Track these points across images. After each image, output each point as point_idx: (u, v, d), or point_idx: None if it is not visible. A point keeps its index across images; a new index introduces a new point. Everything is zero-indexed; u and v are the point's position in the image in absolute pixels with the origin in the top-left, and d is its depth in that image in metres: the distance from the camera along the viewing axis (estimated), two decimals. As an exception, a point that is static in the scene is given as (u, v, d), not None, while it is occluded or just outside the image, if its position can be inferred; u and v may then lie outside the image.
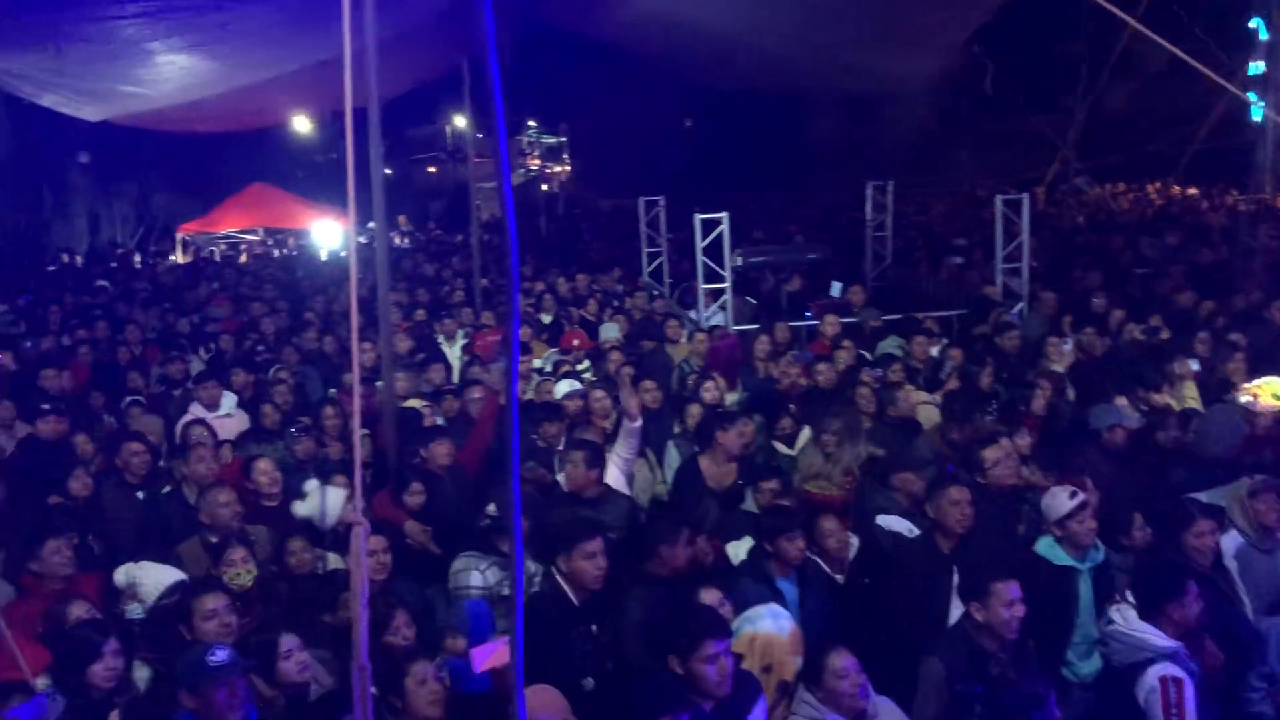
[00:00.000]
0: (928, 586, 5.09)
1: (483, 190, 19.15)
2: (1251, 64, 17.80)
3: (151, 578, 4.96)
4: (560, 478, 6.28)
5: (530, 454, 6.71)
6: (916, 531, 5.59)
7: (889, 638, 4.97)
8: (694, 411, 7.31)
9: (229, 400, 8.26)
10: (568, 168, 43.26)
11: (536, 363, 9.56)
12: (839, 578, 5.37)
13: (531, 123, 41.65)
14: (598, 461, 6.00)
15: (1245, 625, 4.88)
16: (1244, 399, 6.69)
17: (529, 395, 8.32)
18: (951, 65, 21.15)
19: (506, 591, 4.97)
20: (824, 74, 22.26)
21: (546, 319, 11.85)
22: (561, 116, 42.72)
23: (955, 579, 4.96)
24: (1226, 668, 4.67)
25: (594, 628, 4.69)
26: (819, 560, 5.29)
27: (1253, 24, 17.71)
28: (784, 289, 12.85)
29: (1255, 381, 7.05)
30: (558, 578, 4.78)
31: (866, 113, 31.20)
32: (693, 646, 3.83)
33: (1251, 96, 14.21)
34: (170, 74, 16.19)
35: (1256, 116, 17.29)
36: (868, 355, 9.36)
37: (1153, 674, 4.17)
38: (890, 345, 9.68)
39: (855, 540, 5.52)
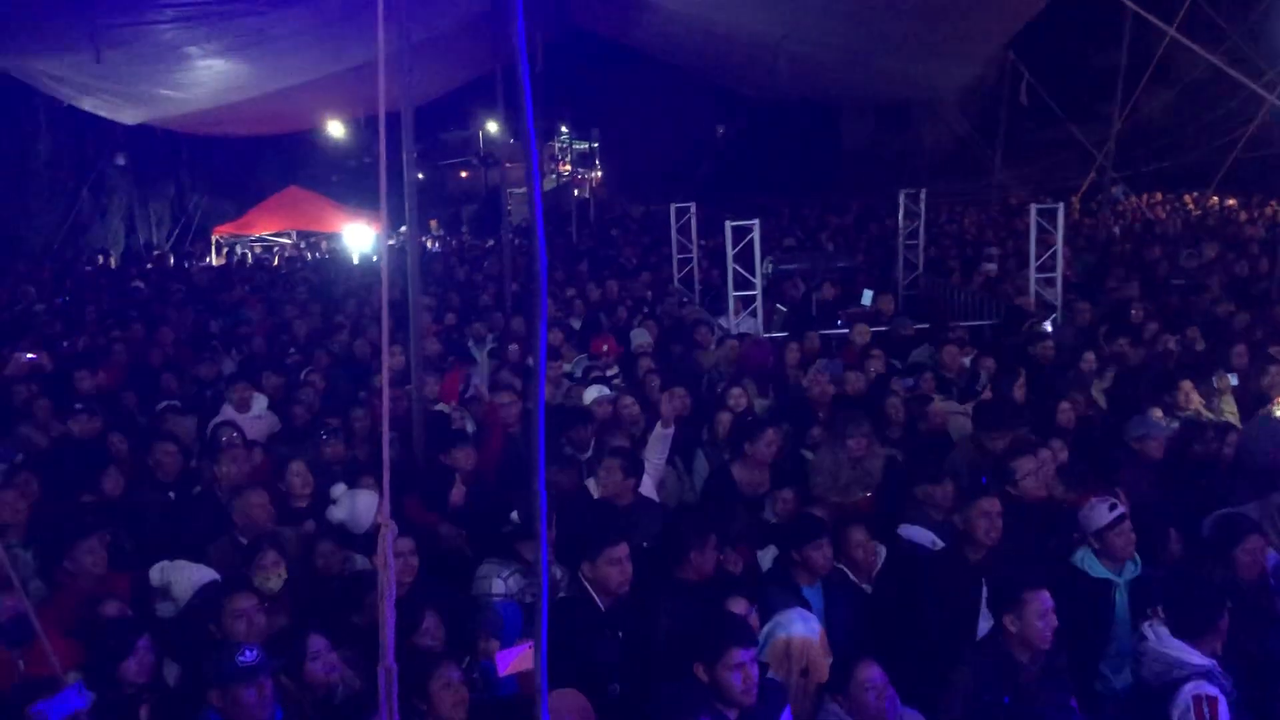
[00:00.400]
0: (957, 598, 5.05)
1: (515, 195, 19.24)
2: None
3: (185, 577, 5.01)
4: (590, 484, 6.28)
5: (558, 460, 6.71)
6: (939, 543, 5.54)
7: (916, 649, 4.94)
8: (723, 419, 7.28)
9: (260, 402, 8.32)
10: (599, 173, 43.36)
11: (566, 368, 9.57)
12: (866, 588, 5.33)
13: (563, 128, 41.79)
14: (634, 470, 5.99)
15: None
16: (1278, 412, 6.60)
17: (558, 400, 8.33)
18: (986, 73, 21.01)
19: (529, 599, 4.98)
20: (857, 81, 22.21)
21: (576, 324, 11.86)
22: (594, 122, 42.87)
23: (984, 592, 4.92)
24: (1263, 687, 4.59)
25: (620, 634, 4.68)
26: (845, 570, 5.26)
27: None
28: (815, 297, 12.80)
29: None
30: (584, 583, 4.78)
31: (900, 120, 31.09)
32: (719, 654, 3.82)
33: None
34: (207, 78, 16.40)
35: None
36: (898, 364, 9.29)
37: (1187, 692, 4.10)
38: (922, 355, 9.61)
39: (882, 550, 5.47)
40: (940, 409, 7.41)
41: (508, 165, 15.44)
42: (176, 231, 26.83)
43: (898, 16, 15.94)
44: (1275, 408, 6.88)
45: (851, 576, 5.26)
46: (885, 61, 18.78)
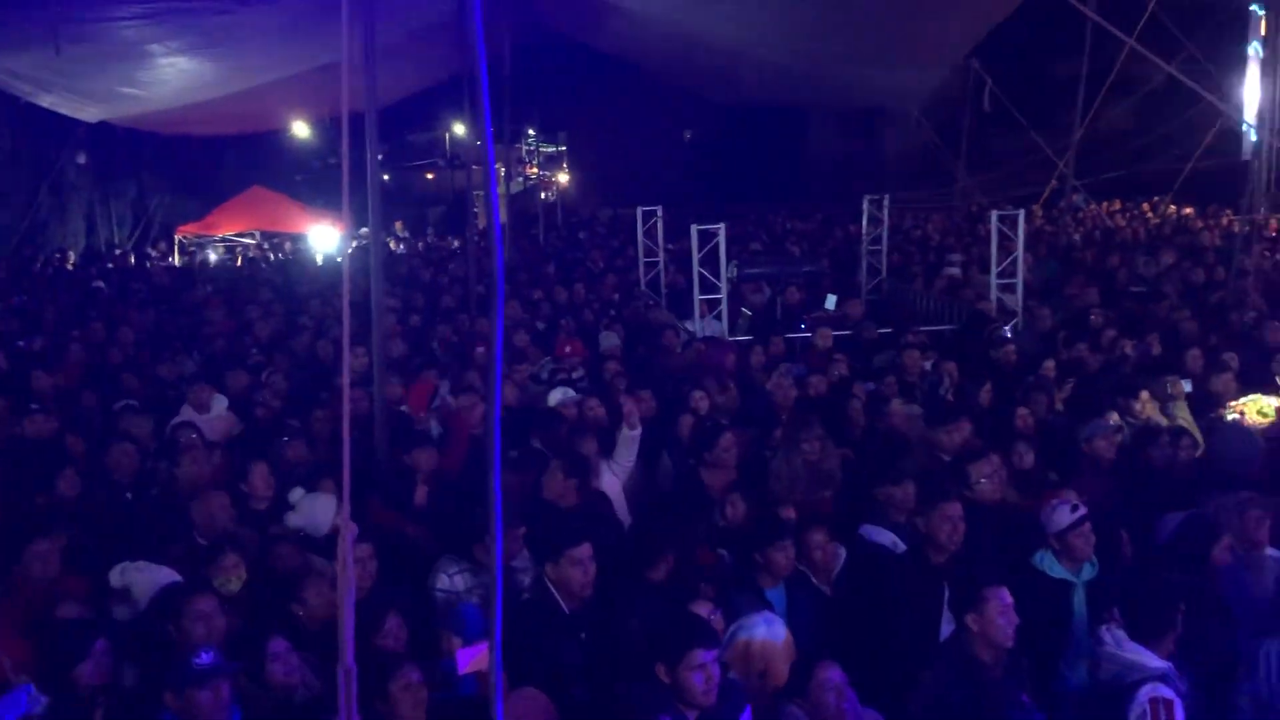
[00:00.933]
0: (919, 601, 5.10)
1: (481, 197, 19.18)
2: (1247, 82, 17.92)
3: (145, 579, 4.95)
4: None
5: (526, 461, 6.70)
6: (901, 544, 5.60)
7: (879, 651, 4.99)
8: (685, 421, 7.32)
9: (220, 403, 8.26)
10: (567, 177, 43.33)
11: (532, 370, 9.56)
12: (826, 589, 5.37)
13: (531, 131, 41.71)
14: (576, 471, 6.03)
15: (1235, 644, 4.88)
16: (1230, 416, 6.71)
17: (525, 403, 8.31)
18: (950, 81, 21.23)
19: (473, 598, 5.00)
20: (823, 88, 22.37)
21: (542, 326, 11.85)
22: (562, 125, 42.80)
23: (946, 594, 4.97)
24: (1216, 688, 4.67)
25: (583, 635, 4.69)
26: (806, 571, 5.29)
27: (1249, 49, 17.85)
28: (780, 301, 12.88)
29: (1241, 400, 7.09)
30: (548, 584, 4.79)
31: (865, 127, 31.36)
32: (680, 655, 3.83)
33: (1247, 119, 14.24)
34: (170, 76, 16.24)
35: (1250, 136, 17.38)
36: (863, 368, 9.37)
37: (1144, 695, 4.15)
38: (885, 359, 9.71)
39: (842, 552, 5.52)
40: (899, 411, 7.49)
41: (475, 167, 15.41)
42: (138, 231, 26.51)
43: (862, 24, 16.08)
44: (1225, 412, 7.01)
45: (812, 578, 5.30)
46: (850, 69, 18.94)
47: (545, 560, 4.83)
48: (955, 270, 14.77)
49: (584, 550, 4.72)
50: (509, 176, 29.87)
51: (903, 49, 17.47)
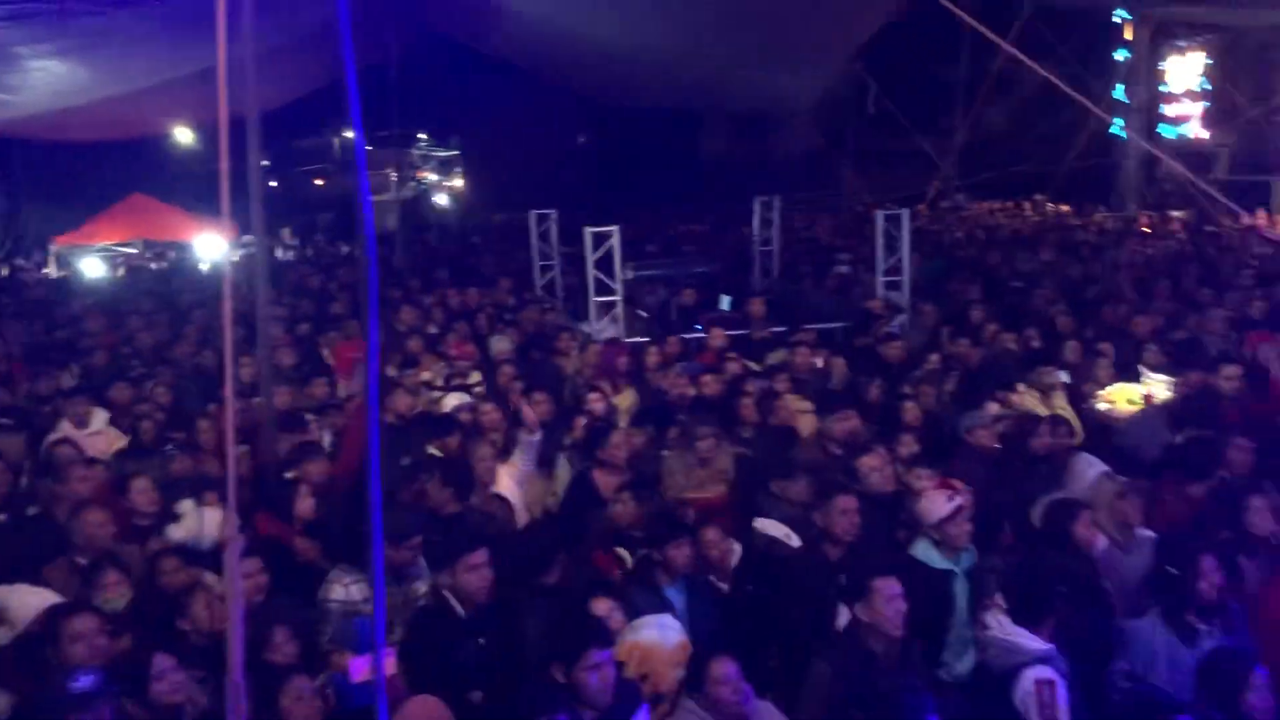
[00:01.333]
0: (815, 594, 5.19)
1: (374, 203, 18.85)
2: (1117, 87, 18.70)
3: (23, 601, 4.77)
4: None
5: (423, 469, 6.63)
6: (795, 537, 5.70)
7: (776, 645, 5.07)
8: (578, 423, 7.35)
9: (100, 416, 7.98)
10: (461, 181, 42.94)
11: (425, 375, 9.45)
12: (724, 586, 5.44)
13: (422, 135, 41.22)
14: (455, 480, 6.01)
15: (1111, 624, 5.08)
16: (1102, 405, 7.01)
17: (420, 409, 8.22)
18: (836, 84, 21.67)
19: (369, 608, 4.95)
20: (715, 92, 22.59)
21: (435, 331, 11.71)
22: (455, 129, 42.40)
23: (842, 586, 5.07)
24: (1093, 667, 4.87)
25: (481, 640, 4.68)
26: (704, 568, 5.35)
27: (1117, 55, 18.63)
28: (675, 302, 12.99)
29: (1109, 388, 7.41)
30: (444, 591, 4.76)
31: (755, 130, 31.78)
32: (576, 656, 3.85)
33: (1118, 121, 14.91)
34: (41, 80, 15.57)
35: (1121, 137, 18.16)
36: (756, 366, 9.50)
37: (1028, 677, 4.31)
38: (779, 357, 9.86)
39: (738, 547, 5.60)
40: (789, 405, 7.63)
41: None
42: (9, 242, 25.40)
43: (751, 28, 16.30)
44: (1096, 401, 7.30)
45: (709, 575, 5.37)
46: (741, 72, 19.17)
47: (440, 567, 4.80)
48: (844, 269, 15.10)
49: (479, 556, 4.70)
50: (400, 181, 29.48)
51: (790, 53, 17.76)
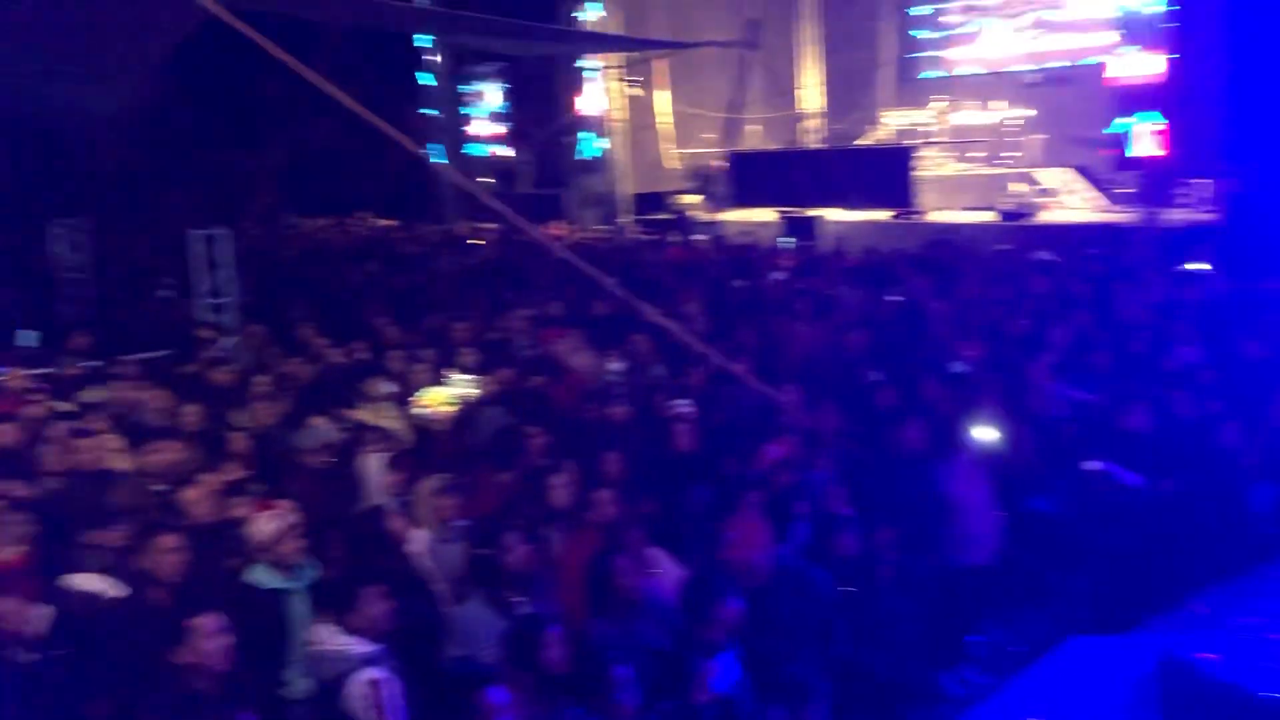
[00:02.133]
0: (144, 645, 4.84)
1: None
2: (425, 108, 20.03)
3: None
4: None
5: None
6: (117, 587, 5.29)
7: (100, 708, 4.65)
8: None
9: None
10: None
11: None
12: (33, 657, 4.85)
13: None
14: None
15: (438, 613, 5.42)
16: (417, 410, 7.47)
17: None
18: (142, 102, 20.37)
19: None
20: (5, 104, 20.01)
21: None
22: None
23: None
24: (425, 657, 5.16)
25: None
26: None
27: (421, 80, 19.90)
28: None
29: (419, 393, 7.96)
30: None
31: (56, 147, 28.63)
32: None
33: (431, 146, 15.99)
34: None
35: (436, 158, 19.51)
36: (67, 406, 8.60)
37: (358, 680, 4.43)
38: (95, 394, 9.03)
39: (47, 610, 5.03)
40: (99, 445, 7.03)
41: None
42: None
43: (46, 33, 14.70)
44: (413, 405, 7.73)
45: (5, 652, 4.75)
46: (28, 86, 17.19)
47: None
48: (167, 293, 14.29)
49: None
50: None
51: (93, 62, 16.33)
